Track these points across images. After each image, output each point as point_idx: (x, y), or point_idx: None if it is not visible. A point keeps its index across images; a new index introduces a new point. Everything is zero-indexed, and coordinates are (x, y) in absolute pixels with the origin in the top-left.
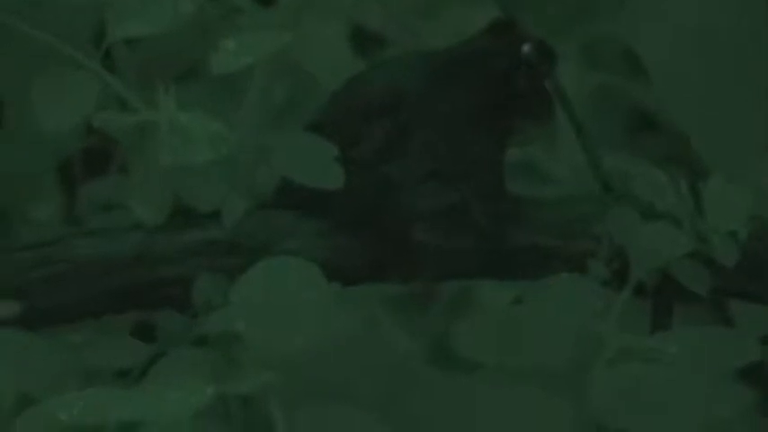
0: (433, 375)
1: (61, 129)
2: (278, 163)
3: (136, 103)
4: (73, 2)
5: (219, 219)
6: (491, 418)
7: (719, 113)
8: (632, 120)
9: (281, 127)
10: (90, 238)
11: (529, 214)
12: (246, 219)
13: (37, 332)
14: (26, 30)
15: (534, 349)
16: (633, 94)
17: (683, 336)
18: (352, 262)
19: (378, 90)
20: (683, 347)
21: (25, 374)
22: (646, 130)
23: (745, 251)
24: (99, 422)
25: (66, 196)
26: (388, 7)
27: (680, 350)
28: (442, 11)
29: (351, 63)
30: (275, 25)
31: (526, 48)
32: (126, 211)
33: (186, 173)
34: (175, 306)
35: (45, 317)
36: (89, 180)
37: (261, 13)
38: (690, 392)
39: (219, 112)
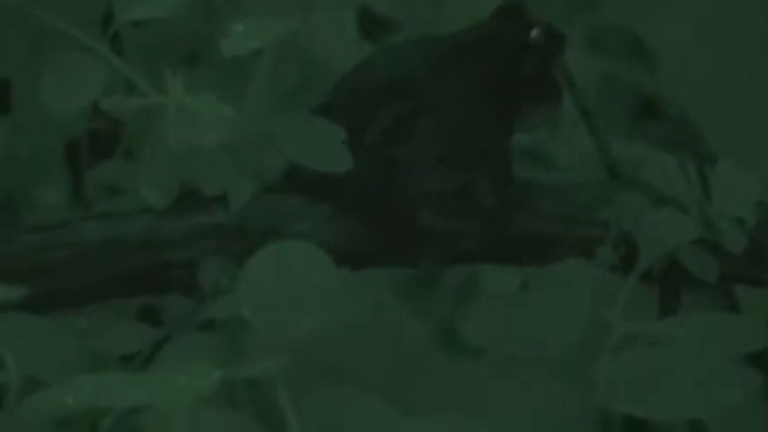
0: (439, 360)
1: (68, 112)
2: (285, 146)
3: (143, 87)
4: None
5: (226, 202)
6: (497, 403)
7: (729, 100)
8: (636, 106)
9: (289, 110)
10: (97, 221)
11: (535, 199)
12: (253, 202)
13: (43, 316)
14: (34, 12)
15: (540, 335)
16: (637, 81)
17: (690, 322)
18: (359, 246)
19: (385, 74)
20: (690, 333)
21: (31, 358)
22: (649, 116)
23: (753, 237)
24: (105, 406)
25: (73, 180)
26: None
27: (687, 336)
28: None
29: (359, 47)
30: (283, 9)
31: (534, 32)
32: (133, 195)
33: (193, 156)
34: (182, 290)
35: (51, 301)
36: (96, 163)
37: None
38: (697, 378)
39: (227, 95)
